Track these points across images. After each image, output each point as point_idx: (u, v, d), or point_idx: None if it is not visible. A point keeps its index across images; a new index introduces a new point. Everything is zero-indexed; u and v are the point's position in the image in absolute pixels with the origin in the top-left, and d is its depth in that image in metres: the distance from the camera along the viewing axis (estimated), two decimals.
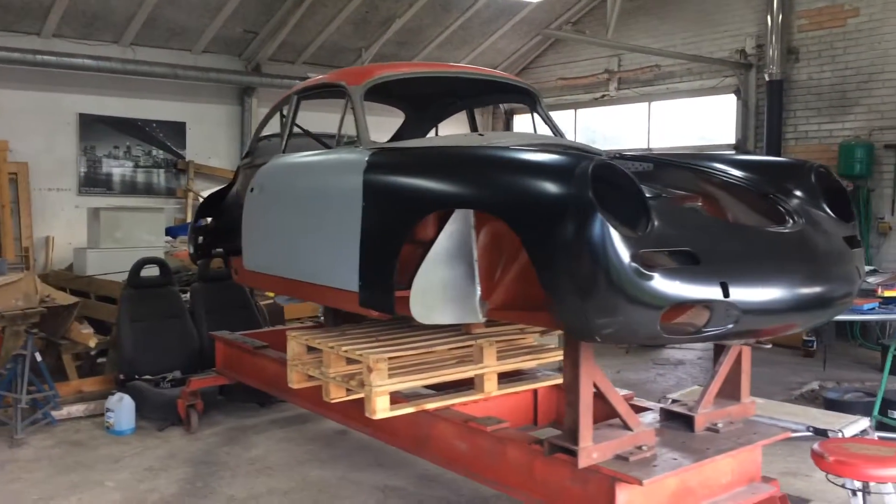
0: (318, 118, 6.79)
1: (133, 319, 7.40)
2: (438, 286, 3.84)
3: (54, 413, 6.92)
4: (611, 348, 9.78)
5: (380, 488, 5.50)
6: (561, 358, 4.08)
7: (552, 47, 15.62)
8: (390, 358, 4.40)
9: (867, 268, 9.03)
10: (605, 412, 3.82)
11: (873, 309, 6.50)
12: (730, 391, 4.30)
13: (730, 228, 3.75)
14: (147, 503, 5.30)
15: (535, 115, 5.58)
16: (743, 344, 4.00)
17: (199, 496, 5.39)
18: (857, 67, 11.36)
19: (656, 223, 3.13)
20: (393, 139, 6.42)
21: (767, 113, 12.13)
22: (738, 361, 4.23)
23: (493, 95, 5.97)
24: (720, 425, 4.08)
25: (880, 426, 6.32)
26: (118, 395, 6.79)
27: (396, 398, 4.48)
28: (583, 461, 3.52)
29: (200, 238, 6.62)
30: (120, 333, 7.42)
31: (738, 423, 4.19)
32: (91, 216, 10.26)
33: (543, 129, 5.59)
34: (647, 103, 14.25)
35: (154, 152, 12.82)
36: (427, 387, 4.89)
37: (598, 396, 3.68)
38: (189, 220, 11.42)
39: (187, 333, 7.60)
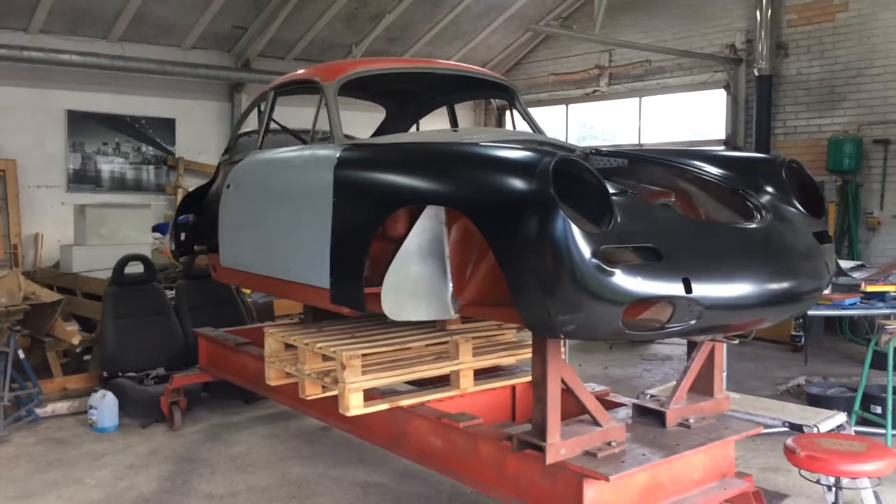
0: (306, 113, 6.77)
1: (117, 316, 7.40)
2: (410, 282, 3.83)
3: (38, 410, 6.93)
4: (598, 344, 9.80)
5: (359, 484, 5.51)
6: None
7: (543, 43, 15.61)
8: (365, 354, 4.41)
9: (854, 262, 9.10)
10: (578, 408, 3.82)
11: (855, 304, 6.51)
12: (703, 387, 4.30)
13: (695, 225, 3.74)
14: (125, 500, 5.30)
15: (514, 110, 5.58)
16: (711, 339, 4.00)
17: (178, 493, 5.39)
18: (846, 62, 11.36)
19: (619, 219, 3.13)
20: (375, 135, 6.41)
21: (757, 108, 12.13)
22: (710, 357, 4.22)
23: (470, 91, 5.96)
24: (692, 421, 4.08)
25: (862, 421, 6.33)
26: (101, 392, 6.79)
27: (372, 395, 4.49)
28: (551, 457, 3.52)
29: (182, 235, 6.62)
30: (104, 330, 7.42)
31: (711, 418, 4.18)
32: (77, 213, 10.25)
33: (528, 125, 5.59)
34: (637, 99, 14.24)
35: (143, 149, 12.80)
36: (409, 383, 4.90)
37: (571, 393, 3.68)
38: None
39: (171, 330, 7.59)
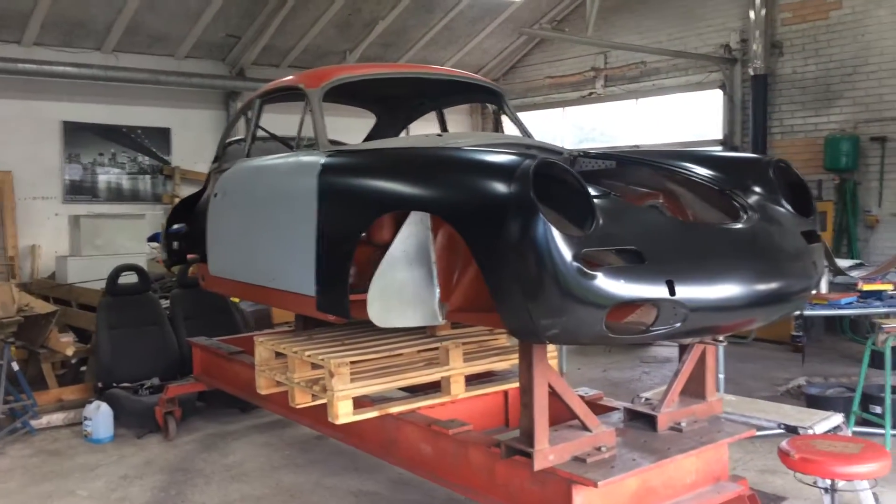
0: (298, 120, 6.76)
1: (111, 327, 7.37)
2: (396, 288, 3.79)
3: (33, 422, 6.91)
4: (596, 346, 9.75)
5: (353, 493, 5.47)
6: None
7: (539, 46, 15.59)
8: (354, 362, 4.37)
9: (853, 261, 9.05)
10: (570, 413, 3.77)
11: (851, 303, 6.46)
12: (695, 389, 4.25)
13: (679, 226, 3.70)
14: None
15: (503, 114, 5.55)
16: (698, 342, 3.96)
17: None
18: (841, 60, 11.32)
19: (601, 222, 3.09)
20: (365, 141, 6.38)
21: (753, 107, 12.11)
22: (702, 359, 4.18)
23: (459, 95, 5.92)
24: (684, 424, 4.03)
25: (861, 422, 6.28)
26: (96, 403, 6.76)
27: (363, 402, 4.45)
28: (538, 463, 3.48)
29: (175, 244, 6.59)
30: (98, 341, 7.40)
31: (703, 421, 4.14)
32: (71, 224, 10.24)
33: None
34: (634, 100, 14.22)
35: (139, 158, 12.79)
36: (402, 389, 4.86)
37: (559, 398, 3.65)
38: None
39: (166, 340, 7.56)
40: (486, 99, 5.64)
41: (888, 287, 6.63)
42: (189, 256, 6.66)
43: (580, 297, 2.96)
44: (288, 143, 5.64)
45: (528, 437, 3.52)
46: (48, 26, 11.26)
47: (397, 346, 4.68)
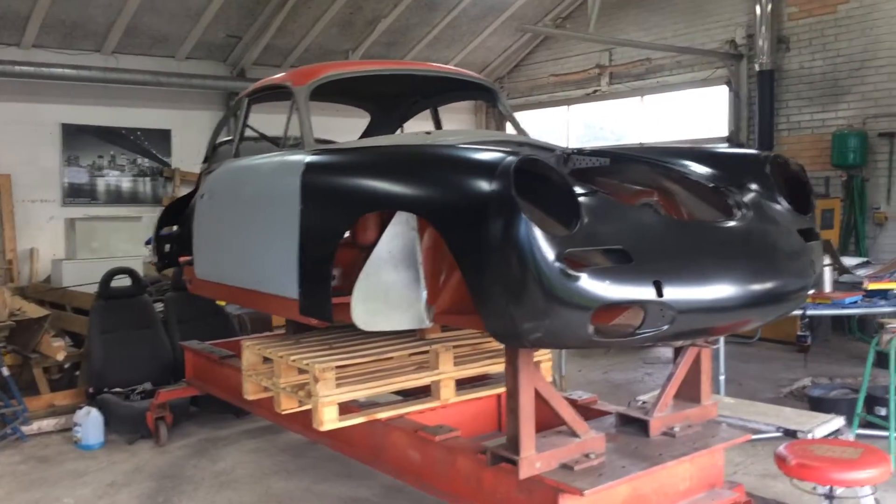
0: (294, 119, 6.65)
1: (103, 331, 7.27)
2: (381, 291, 3.66)
3: (24, 428, 6.81)
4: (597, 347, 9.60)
5: (343, 500, 5.36)
6: None
7: (543, 44, 15.45)
8: (340, 366, 4.26)
9: (860, 259, 8.87)
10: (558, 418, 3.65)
11: (855, 302, 6.30)
12: (690, 393, 4.12)
13: (668, 225, 3.57)
14: None
15: (497, 110, 5.42)
16: (690, 344, 3.82)
17: None
18: (849, 55, 11.13)
19: (587, 221, 2.96)
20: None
21: (759, 104, 11.90)
22: (696, 362, 4.05)
23: (452, 93, 5.79)
24: (677, 429, 3.90)
25: (865, 424, 6.11)
26: (86, 408, 6.66)
27: (351, 408, 4.34)
28: (524, 471, 3.36)
29: (167, 246, 6.50)
30: (90, 346, 7.30)
31: (697, 426, 4.01)
32: (67, 227, 10.15)
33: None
34: (639, 97, 14.06)
35: (139, 161, 12.69)
36: (396, 393, 4.74)
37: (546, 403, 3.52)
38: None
39: (159, 344, 7.46)
40: (480, 96, 5.52)
41: (894, 286, 6.47)
42: (181, 259, 6.55)
43: (564, 298, 2.84)
44: (276, 143, 5.54)
45: (514, 443, 3.41)
46: (47, 28, 11.18)
47: (387, 349, 4.57)
